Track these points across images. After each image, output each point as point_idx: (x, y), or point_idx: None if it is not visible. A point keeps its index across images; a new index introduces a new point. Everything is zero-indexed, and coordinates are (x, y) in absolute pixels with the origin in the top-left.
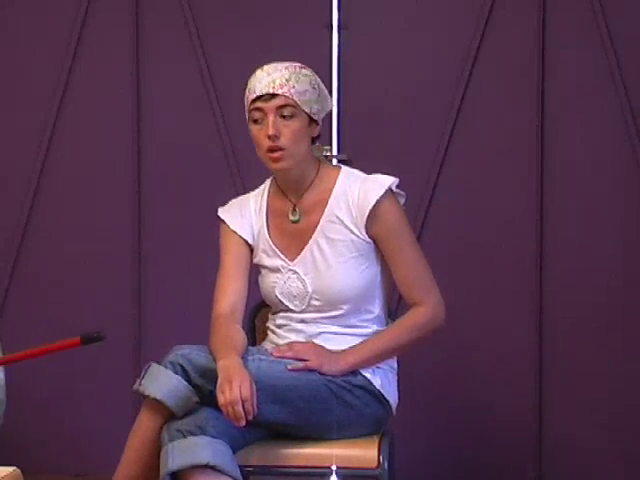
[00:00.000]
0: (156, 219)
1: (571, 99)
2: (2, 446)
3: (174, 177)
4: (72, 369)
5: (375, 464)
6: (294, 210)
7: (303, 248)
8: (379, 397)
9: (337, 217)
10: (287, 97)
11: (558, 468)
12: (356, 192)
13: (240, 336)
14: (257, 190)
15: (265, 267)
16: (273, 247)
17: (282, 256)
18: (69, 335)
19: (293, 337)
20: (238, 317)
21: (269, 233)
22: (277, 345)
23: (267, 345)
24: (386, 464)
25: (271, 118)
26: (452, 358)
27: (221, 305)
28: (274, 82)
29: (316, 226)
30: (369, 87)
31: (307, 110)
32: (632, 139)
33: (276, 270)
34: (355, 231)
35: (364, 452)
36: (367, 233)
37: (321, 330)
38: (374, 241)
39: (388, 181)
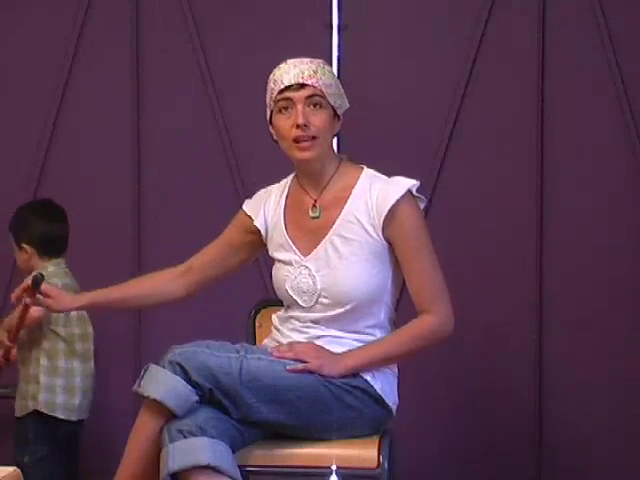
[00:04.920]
0: (156, 219)
1: (571, 99)
2: (2, 446)
3: (174, 178)
4: None
5: (375, 464)
6: (314, 207)
7: (318, 245)
8: (379, 400)
9: (355, 217)
10: (315, 87)
11: (558, 468)
12: (375, 193)
13: (142, 280)
14: (279, 184)
15: (280, 260)
16: (289, 241)
17: (297, 251)
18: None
19: (295, 337)
20: (183, 270)
21: (286, 228)
22: (279, 343)
23: (270, 343)
24: (386, 464)
25: (300, 107)
26: (452, 358)
27: (187, 261)
28: (302, 73)
29: (333, 224)
30: (369, 87)
31: (332, 103)
32: (632, 138)
33: (289, 264)
34: (371, 232)
35: (364, 452)
36: (383, 235)
37: (325, 333)
38: (390, 244)
39: (408, 183)
